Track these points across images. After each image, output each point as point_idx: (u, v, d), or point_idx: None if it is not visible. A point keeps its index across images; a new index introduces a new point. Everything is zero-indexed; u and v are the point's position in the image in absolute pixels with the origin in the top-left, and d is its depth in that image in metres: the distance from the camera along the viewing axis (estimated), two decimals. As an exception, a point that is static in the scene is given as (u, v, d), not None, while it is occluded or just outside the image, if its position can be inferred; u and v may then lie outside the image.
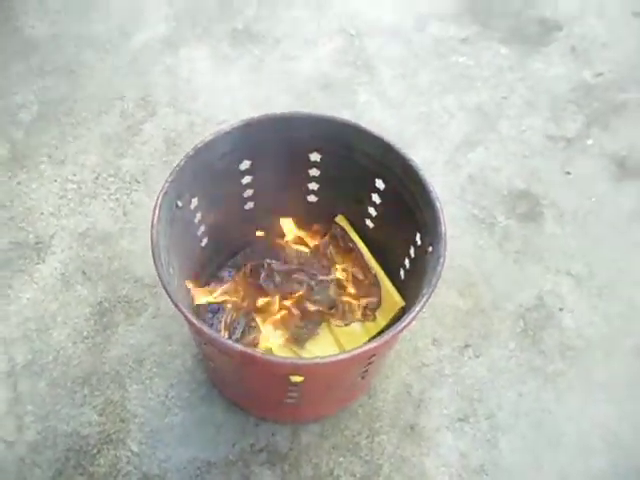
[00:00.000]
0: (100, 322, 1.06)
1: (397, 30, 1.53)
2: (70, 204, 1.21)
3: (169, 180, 0.71)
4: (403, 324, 0.63)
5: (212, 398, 0.98)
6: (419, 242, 0.81)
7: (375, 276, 0.94)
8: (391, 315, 0.92)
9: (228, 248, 1.01)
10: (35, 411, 0.97)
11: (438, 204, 0.73)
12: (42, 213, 1.20)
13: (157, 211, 0.68)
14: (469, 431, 0.95)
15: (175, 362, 1.02)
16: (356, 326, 0.93)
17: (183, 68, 1.45)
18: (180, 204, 0.75)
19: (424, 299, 0.65)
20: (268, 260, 0.95)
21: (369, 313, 0.93)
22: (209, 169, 0.79)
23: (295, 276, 0.94)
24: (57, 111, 1.36)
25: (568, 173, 1.25)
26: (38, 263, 1.13)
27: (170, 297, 0.66)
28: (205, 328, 0.62)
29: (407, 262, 0.88)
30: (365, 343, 0.64)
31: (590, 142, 1.29)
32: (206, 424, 0.96)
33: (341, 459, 0.93)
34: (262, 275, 0.93)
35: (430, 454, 0.93)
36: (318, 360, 0.62)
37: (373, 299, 0.93)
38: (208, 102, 1.38)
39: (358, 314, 0.93)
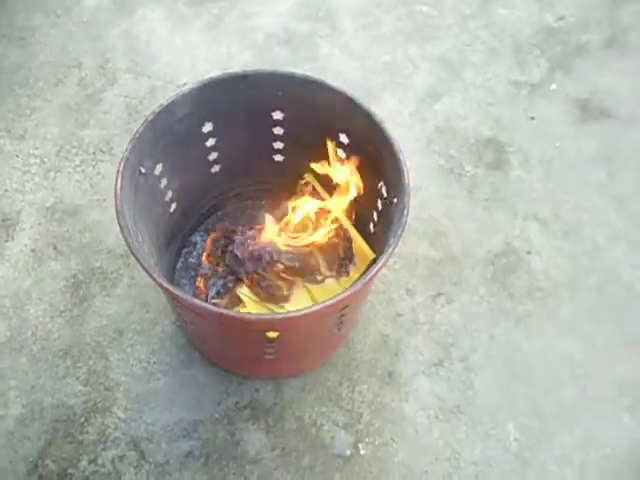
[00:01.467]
0: (76, 295, 1.06)
1: (358, -20, 1.49)
2: (35, 179, 1.19)
3: (129, 147, 0.70)
4: (370, 275, 0.65)
5: (193, 361, 1.00)
6: (385, 194, 0.82)
7: (345, 230, 0.95)
8: (363, 268, 0.94)
9: (198, 212, 1.01)
10: (19, 385, 0.98)
11: (401, 156, 0.73)
12: (6, 190, 1.17)
13: (119, 179, 0.67)
14: (444, 375, 0.99)
15: (155, 329, 1.03)
16: (330, 282, 0.94)
17: (140, 30, 1.40)
18: (143, 170, 0.75)
19: (390, 250, 0.66)
20: (235, 233, 0.93)
21: (342, 269, 0.94)
22: (170, 133, 0.78)
23: (263, 250, 0.93)
24: (11, 81, 1.31)
25: (532, 118, 1.26)
26: (7, 240, 1.11)
27: (141, 264, 0.67)
28: (180, 293, 0.63)
29: (375, 215, 0.90)
30: (336, 295, 0.65)
31: (554, 87, 1.29)
32: (190, 386, 0.98)
33: (323, 409, 0.96)
34: (228, 258, 0.92)
35: (408, 399, 0.97)
36: (291, 314, 0.64)
37: (345, 254, 0.94)
38: (168, 64, 1.35)
39: (332, 270, 0.95)
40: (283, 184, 1.01)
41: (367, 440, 0.94)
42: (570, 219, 1.15)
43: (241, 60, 1.34)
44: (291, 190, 1.00)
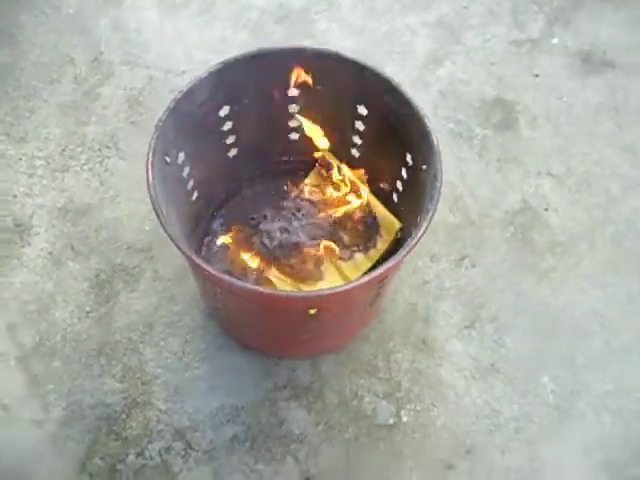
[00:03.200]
0: (101, 294, 1.06)
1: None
2: (42, 181, 1.17)
3: (154, 137, 0.69)
4: (414, 241, 0.65)
5: (227, 347, 1.00)
6: (410, 162, 0.82)
7: (369, 203, 0.95)
8: (390, 238, 0.94)
9: (218, 199, 1.01)
10: (56, 389, 0.98)
11: (427, 121, 0.73)
12: (15, 195, 1.15)
13: (150, 170, 0.67)
14: (476, 336, 1.01)
15: (184, 319, 1.03)
16: (358, 257, 0.95)
17: (130, 19, 1.37)
18: (168, 160, 0.74)
19: (430, 215, 0.67)
20: (258, 220, 0.93)
21: (369, 242, 0.95)
22: (190, 120, 0.77)
23: (288, 234, 0.93)
24: (4, 84, 1.28)
25: (536, 75, 1.26)
26: (23, 246, 1.10)
27: (184, 251, 0.66)
28: (224, 276, 0.63)
29: (399, 184, 0.90)
30: (379, 267, 0.66)
31: (555, 41, 1.29)
32: (227, 372, 0.98)
33: (362, 382, 0.97)
34: (256, 244, 0.92)
35: (443, 363, 0.99)
36: (335, 289, 0.64)
37: (370, 227, 0.95)
38: (164, 53, 1.32)
39: (359, 245, 0.95)
40: (300, 162, 1.01)
41: (408, 407, 0.96)
42: (582, 172, 1.16)
43: (238, 42, 1.31)
44: (308, 168, 1.00)
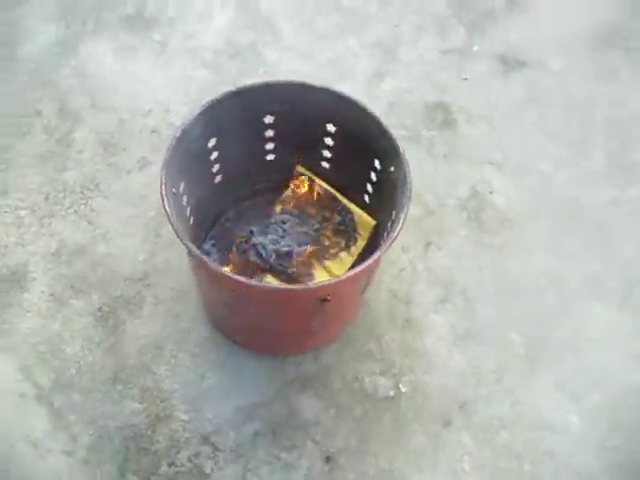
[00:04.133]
0: (107, 325, 1.13)
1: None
2: (31, 229, 1.22)
3: (163, 172, 0.79)
4: (399, 226, 0.78)
5: (236, 354, 1.09)
6: (379, 167, 0.96)
7: (344, 206, 1.08)
8: (367, 235, 1.08)
9: (207, 222, 1.11)
10: (80, 419, 1.04)
11: (391, 131, 0.87)
12: (6, 246, 1.20)
13: (166, 201, 0.77)
14: (450, 308, 1.16)
15: (191, 335, 1.12)
16: (342, 255, 1.08)
17: (90, 66, 1.45)
18: (175, 191, 0.84)
19: (405, 209, 0.81)
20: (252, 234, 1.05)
21: (350, 241, 1.08)
22: (187, 153, 0.87)
23: (278, 244, 1.05)
24: (-25, 142, 1.32)
25: (465, 79, 1.44)
26: (23, 292, 1.15)
27: (198, 256, 0.76)
28: (243, 279, 0.73)
29: (369, 187, 1.03)
30: (374, 253, 0.79)
31: (476, 48, 1.48)
32: (239, 376, 1.08)
33: (360, 365, 1.10)
34: (251, 254, 1.03)
35: (427, 336, 1.13)
36: (345, 276, 0.76)
37: (349, 228, 1.08)
38: (128, 95, 1.41)
39: (340, 245, 1.08)
40: (276, 180, 1.13)
41: (404, 379, 1.09)
42: (517, 157, 1.34)
43: (197, 79, 1.42)
44: (285, 184, 1.12)
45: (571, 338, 1.13)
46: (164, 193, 0.77)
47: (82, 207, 1.26)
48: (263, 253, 1.00)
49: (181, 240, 0.75)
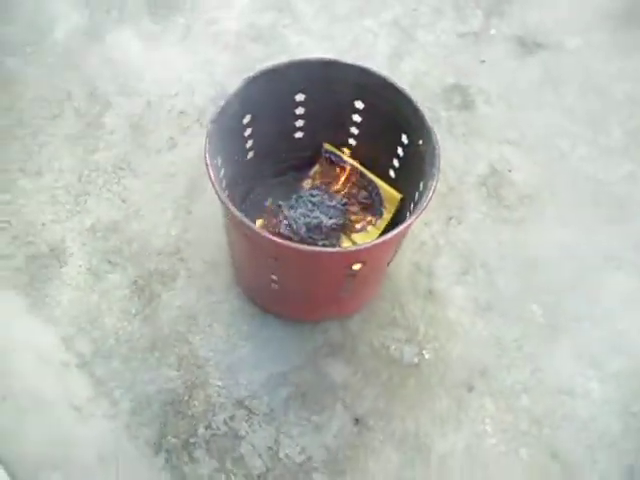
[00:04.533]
0: (143, 297, 1.18)
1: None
2: (66, 207, 1.27)
3: (207, 146, 0.84)
4: (428, 198, 0.83)
5: (267, 324, 1.14)
6: (406, 141, 1.00)
7: (370, 181, 1.13)
8: (393, 209, 1.12)
9: (239, 198, 1.15)
10: (119, 385, 1.09)
11: (419, 105, 0.91)
12: (43, 224, 1.25)
13: (211, 171, 0.81)
14: (472, 280, 1.20)
15: (223, 306, 1.17)
16: (369, 228, 1.12)
17: (116, 54, 1.49)
18: (215, 162, 0.88)
19: (435, 177, 0.85)
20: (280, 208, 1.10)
21: (376, 214, 1.12)
22: (225, 129, 0.92)
23: (309, 217, 1.10)
24: (7, 125, 1.37)
25: (483, 61, 1.48)
26: (62, 267, 1.20)
27: (239, 219, 0.80)
28: (282, 240, 0.78)
29: (396, 162, 1.08)
30: (404, 222, 0.83)
31: (493, 32, 1.52)
32: (270, 345, 1.13)
33: (386, 333, 1.15)
34: (281, 226, 1.08)
35: (449, 306, 1.18)
36: (377, 241, 0.81)
37: (375, 202, 1.12)
38: (155, 80, 1.45)
39: (367, 218, 1.13)
40: (304, 157, 1.17)
41: (428, 347, 1.14)
42: (534, 135, 1.38)
43: (221, 62, 1.46)
44: (313, 161, 1.17)
45: (590, 307, 1.17)
46: (209, 163, 0.82)
47: (115, 186, 1.30)
48: (294, 225, 1.04)
49: (222, 201, 0.80)
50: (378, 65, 1.45)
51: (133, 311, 1.16)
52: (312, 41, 1.50)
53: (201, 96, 1.41)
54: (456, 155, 1.35)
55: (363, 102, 1.02)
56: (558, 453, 1.05)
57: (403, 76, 1.45)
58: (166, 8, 1.57)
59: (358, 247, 0.84)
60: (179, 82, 1.44)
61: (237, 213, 0.80)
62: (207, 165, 0.81)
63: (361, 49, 1.48)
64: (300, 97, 1.03)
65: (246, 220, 0.80)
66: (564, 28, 1.54)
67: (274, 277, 0.94)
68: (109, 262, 1.21)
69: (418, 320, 1.16)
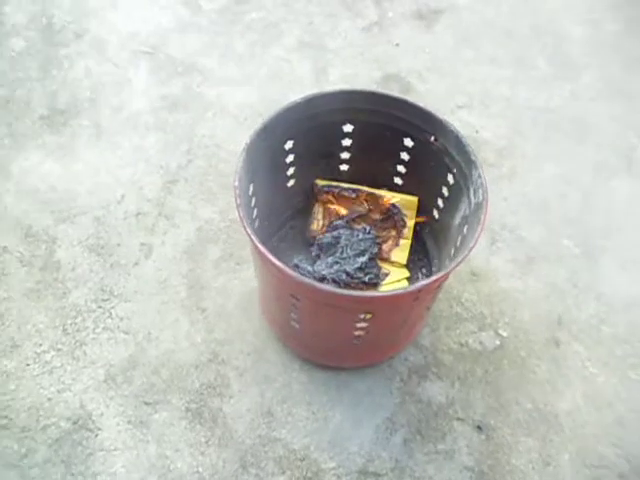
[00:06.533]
0: (204, 420, 1.04)
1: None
2: (66, 368, 1.09)
3: (238, 171, 0.78)
4: (474, 242, 0.80)
5: (343, 382, 1.06)
6: (410, 144, 0.97)
7: (381, 196, 1.08)
8: (414, 213, 1.09)
9: (274, 224, 1.08)
10: None
11: (471, 149, 0.88)
12: (49, 399, 1.06)
13: (238, 200, 0.76)
14: (502, 246, 1.21)
15: (293, 387, 1.06)
16: (401, 242, 1.09)
17: (31, 180, 1.30)
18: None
19: (479, 164, 0.83)
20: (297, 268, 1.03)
21: (400, 225, 1.08)
22: (261, 154, 0.87)
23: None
24: None
25: (397, 44, 1.50)
26: (97, 434, 1.03)
27: (272, 262, 0.74)
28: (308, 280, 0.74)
29: (401, 168, 1.05)
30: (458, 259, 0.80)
31: (391, 14, 1.55)
32: (358, 400, 1.05)
33: (457, 331, 1.12)
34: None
35: (497, 278, 1.17)
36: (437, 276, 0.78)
37: (395, 214, 1.09)
38: (90, 191, 1.28)
39: (392, 233, 1.09)
40: (297, 204, 1.11)
41: (500, 324, 1.13)
42: (478, 93, 1.45)
43: (152, 143, 1.34)
44: (306, 206, 1.10)
45: (609, 221, 1.24)
46: (237, 193, 0.76)
47: (108, 321, 1.14)
48: (344, 278, 0.98)
49: (252, 240, 0.74)
50: (308, 85, 1.44)
51: (203, 440, 1.02)
52: (231, 88, 1.42)
53: (151, 187, 1.28)
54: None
55: (352, 124, 0.98)
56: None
57: (335, 85, 1.42)
58: (61, 114, 1.40)
59: (417, 286, 0.79)
60: (118, 183, 1.29)
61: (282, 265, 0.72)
62: (236, 198, 0.74)
63: (284, 78, 1.43)
64: (289, 145, 0.96)
65: (279, 264, 0.74)
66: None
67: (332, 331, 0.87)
68: (147, 404, 1.06)
69: (478, 305, 1.15)
